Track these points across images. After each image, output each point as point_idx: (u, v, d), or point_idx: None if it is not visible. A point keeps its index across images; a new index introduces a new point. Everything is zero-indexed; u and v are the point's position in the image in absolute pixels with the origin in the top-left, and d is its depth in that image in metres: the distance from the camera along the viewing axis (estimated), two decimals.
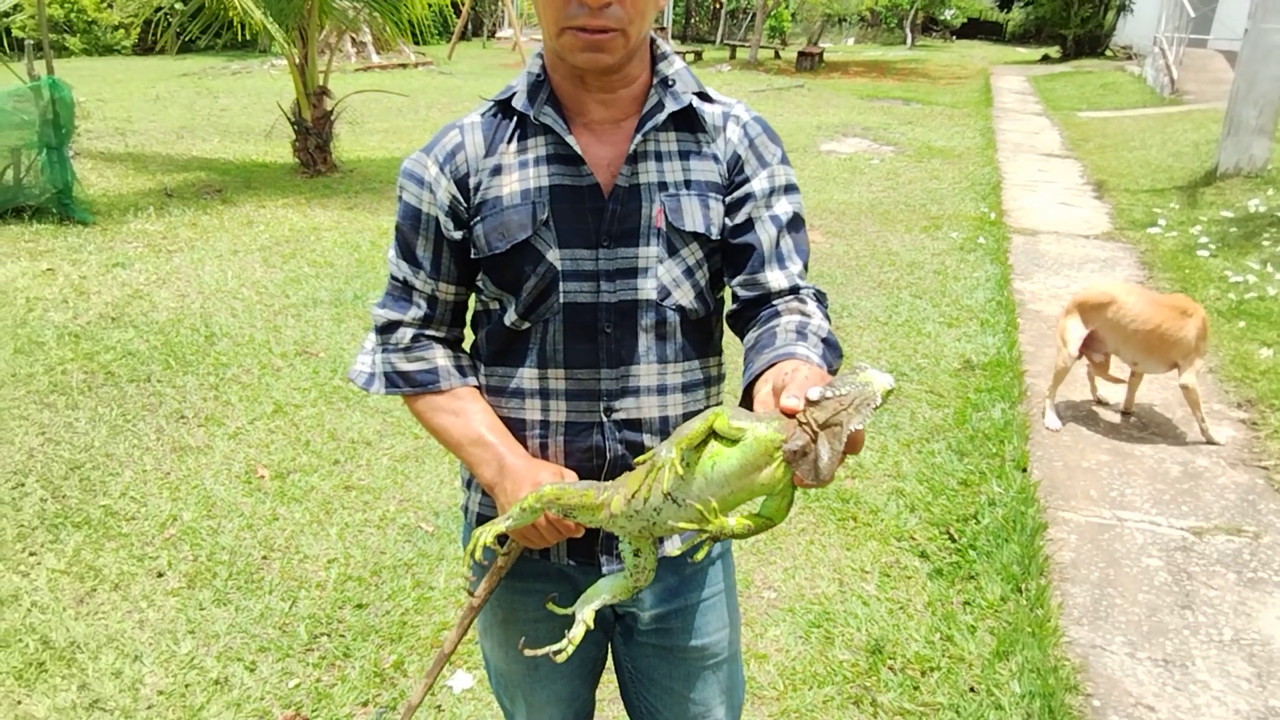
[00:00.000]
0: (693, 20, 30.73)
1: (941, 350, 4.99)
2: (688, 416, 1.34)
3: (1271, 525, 3.40)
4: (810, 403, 0.98)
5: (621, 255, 1.32)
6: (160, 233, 6.96)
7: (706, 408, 1.41)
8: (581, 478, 1.34)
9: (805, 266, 1.35)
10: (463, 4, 22.25)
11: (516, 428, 1.38)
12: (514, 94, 1.35)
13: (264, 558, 3.13)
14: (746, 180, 1.35)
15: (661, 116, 1.32)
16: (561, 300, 1.32)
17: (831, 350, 1.19)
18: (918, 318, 5.48)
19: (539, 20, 1.28)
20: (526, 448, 1.37)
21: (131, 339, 4.89)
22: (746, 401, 1.15)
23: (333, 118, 9.09)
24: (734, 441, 1.03)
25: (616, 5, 1.20)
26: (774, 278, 1.32)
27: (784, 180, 1.37)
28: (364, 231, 7.13)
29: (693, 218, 1.33)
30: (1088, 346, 4.11)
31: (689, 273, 1.35)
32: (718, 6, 29.08)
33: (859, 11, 29.69)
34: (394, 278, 1.41)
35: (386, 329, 1.41)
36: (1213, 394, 4.49)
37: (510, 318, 1.35)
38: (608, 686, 2.05)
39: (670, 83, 1.35)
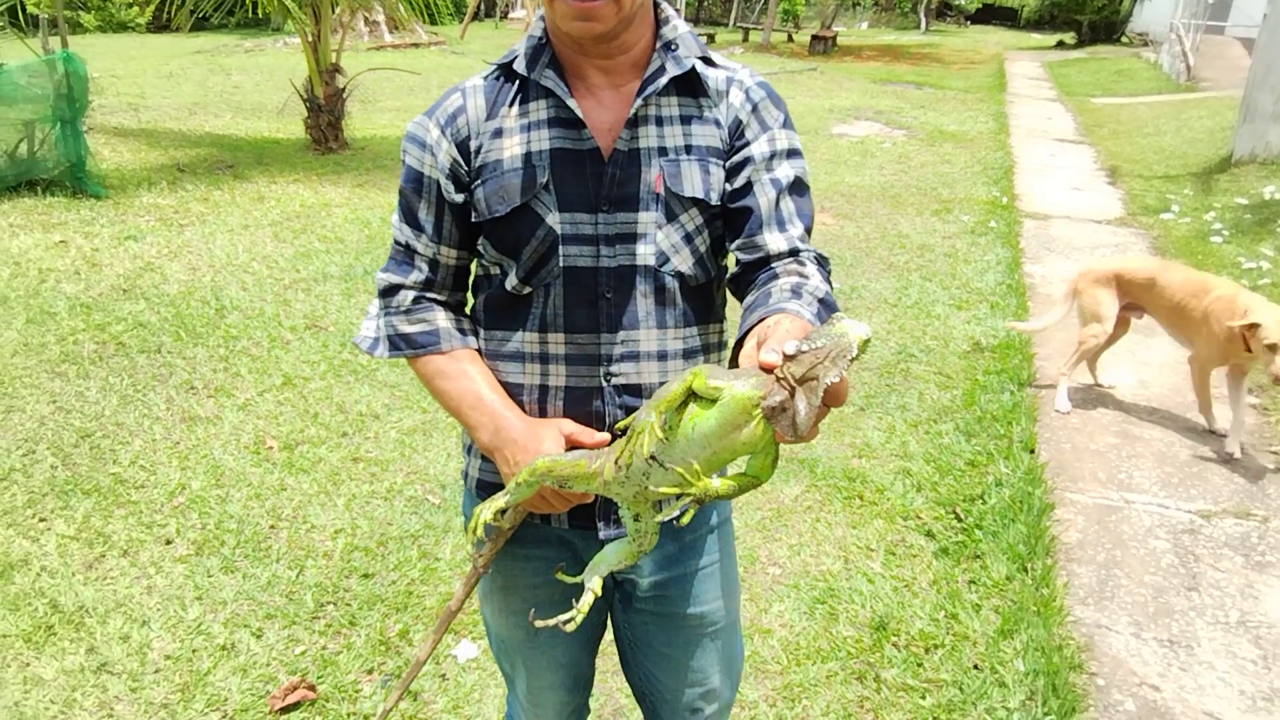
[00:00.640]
0: (706, 3, 30.55)
1: (950, 332, 4.98)
2: None
3: None
4: (787, 357, 0.94)
5: (620, 220, 1.31)
6: (172, 207, 6.98)
7: None
8: None
9: (808, 231, 1.33)
10: None
11: (515, 392, 1.38)
12: (516, 57, 1.34)
13: (271, 527, 3.15)
14: (747, 144, 1.33)
15: (663, 81, 1.31)
16: (561, 265, 1.31)
17: (828, 310, 1.14)
18: (927, 300, 5.46)
19: None
20: (525, 413, 1.37)
21: (142, 311, 4.91)
22: (736, 360, 1.12)
23: (345, 95, 9.08)
24: (713, 402, 1.00)
25: None
26: (772, 240, 1.29)
27: (785, 144, 1.35)
28: (374, 208, 7.13)
29: (692, 183, 1.31)
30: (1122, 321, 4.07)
31: (688, 239, 1.34)
32: None
33: None
34: (396, 241, 1.41)
35: (389, 292, 1.41)
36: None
37: (511, 282, 1.35)
38: (611, 658, 2.05)
39: (673, 47, 1.33)
